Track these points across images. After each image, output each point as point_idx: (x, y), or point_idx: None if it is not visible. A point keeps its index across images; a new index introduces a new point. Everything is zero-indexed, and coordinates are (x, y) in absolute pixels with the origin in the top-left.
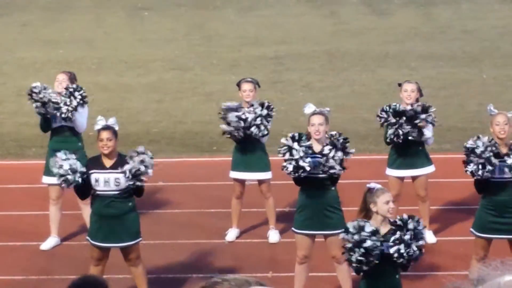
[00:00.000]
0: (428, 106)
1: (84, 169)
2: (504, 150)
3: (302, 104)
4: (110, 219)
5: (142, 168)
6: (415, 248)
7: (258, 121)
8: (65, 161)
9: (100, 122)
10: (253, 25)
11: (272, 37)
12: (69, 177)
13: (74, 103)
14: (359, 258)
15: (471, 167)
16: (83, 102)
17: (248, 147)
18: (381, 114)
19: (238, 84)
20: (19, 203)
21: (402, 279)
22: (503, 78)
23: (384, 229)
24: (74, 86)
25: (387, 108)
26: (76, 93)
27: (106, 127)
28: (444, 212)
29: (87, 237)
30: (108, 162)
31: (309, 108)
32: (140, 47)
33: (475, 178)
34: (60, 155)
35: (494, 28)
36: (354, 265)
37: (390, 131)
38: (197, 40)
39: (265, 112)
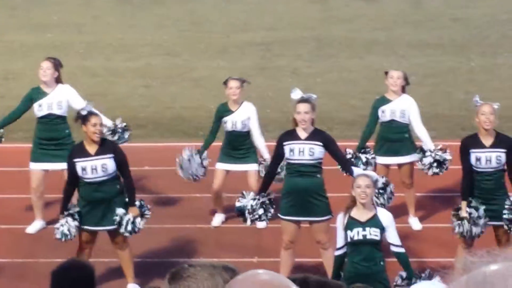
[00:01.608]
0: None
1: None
2: (489, 141)
3: (290, 90)
4: (98, 203)
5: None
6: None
7: None
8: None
9: (87, 108)
10: (242, 11)
11: (261, 23)
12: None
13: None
14: None
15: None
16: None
17: (236, 140)
18: None
19: (225, 82)
20: (4, 187)
21: (387, 265)
22: (491, 67)
23: (366, 215)
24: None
25: None
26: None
27: (95, 113)
28: (429, 199)
29: None
30: (92, 149)
31: (296, 94)
32: (129, 32)
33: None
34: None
35: (483, 17)
36: None
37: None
38: (186, 26)
39: None
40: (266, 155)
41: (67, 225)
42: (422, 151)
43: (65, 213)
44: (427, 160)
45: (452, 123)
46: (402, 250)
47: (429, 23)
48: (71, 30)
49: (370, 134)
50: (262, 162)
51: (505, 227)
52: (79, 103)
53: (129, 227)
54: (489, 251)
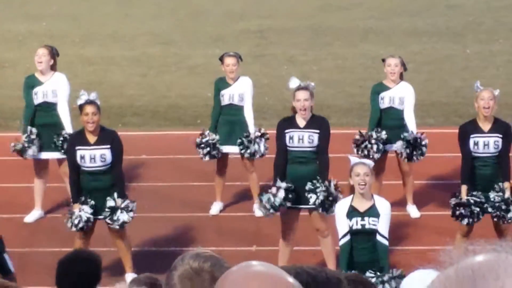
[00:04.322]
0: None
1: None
2: (487, 126)
3: (286, 78)
4: (96, 193)
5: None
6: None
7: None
8: None
9: (83, 97)
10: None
11: (257, 11)
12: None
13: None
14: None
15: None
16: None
17: (231, 121)
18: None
19: (221, 59)
20: (2, 176)
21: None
22: (487, 54)
23: (365, 205)
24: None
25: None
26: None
27: (90, 102)
28: (427, 186)
29: None
30: (91, 138)
31: (294, 83)
32: (125, 21)
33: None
34: None
35: (478, 4)
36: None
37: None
38: (182, 14)
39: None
40: (252, 129)
41: (84, 213)
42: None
43: (79, 201)
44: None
45: (448, 110)
46: (386, 242)
47: (424, 11)
48: (67, 19)
49: (377, 119)
50: (243, 139)
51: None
52: (63, 96)
53: (120, 220)
54: (473, 243)
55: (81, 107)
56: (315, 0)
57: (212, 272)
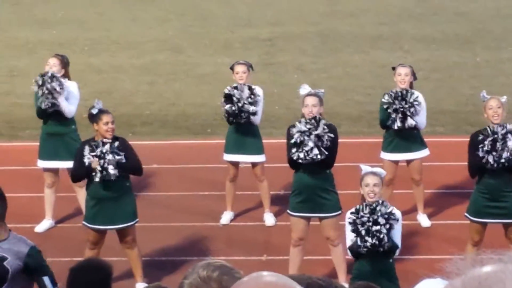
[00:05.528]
0: (406, 92)
1: None
2: None
3: (295, 85)
4: (108, 201)
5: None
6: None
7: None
8: None
9: (98, 106)
10: (246, 5)
11: (266, 18)
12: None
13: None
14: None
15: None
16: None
17: (242, 129)
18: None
19: (232, 67)
20: (12, 185)
21: (396, 262)
22: (496, 61)
23: None
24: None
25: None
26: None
27: (106, 111)
28: (438, 195)
29: (84, 222)
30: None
31: (304, 90)
32: (133, 28)
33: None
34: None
35: (487, 11)
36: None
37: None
38: (191, 21)
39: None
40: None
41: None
42: None
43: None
44: None
45: (458, 118)
46: (398, 246)
47: (433, 18)
48: (75, 26)
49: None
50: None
51: None
52: (72, 103)
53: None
54: (480, 253)
55: (98, 116)
56: (324, 6)
57: (220, 282)
